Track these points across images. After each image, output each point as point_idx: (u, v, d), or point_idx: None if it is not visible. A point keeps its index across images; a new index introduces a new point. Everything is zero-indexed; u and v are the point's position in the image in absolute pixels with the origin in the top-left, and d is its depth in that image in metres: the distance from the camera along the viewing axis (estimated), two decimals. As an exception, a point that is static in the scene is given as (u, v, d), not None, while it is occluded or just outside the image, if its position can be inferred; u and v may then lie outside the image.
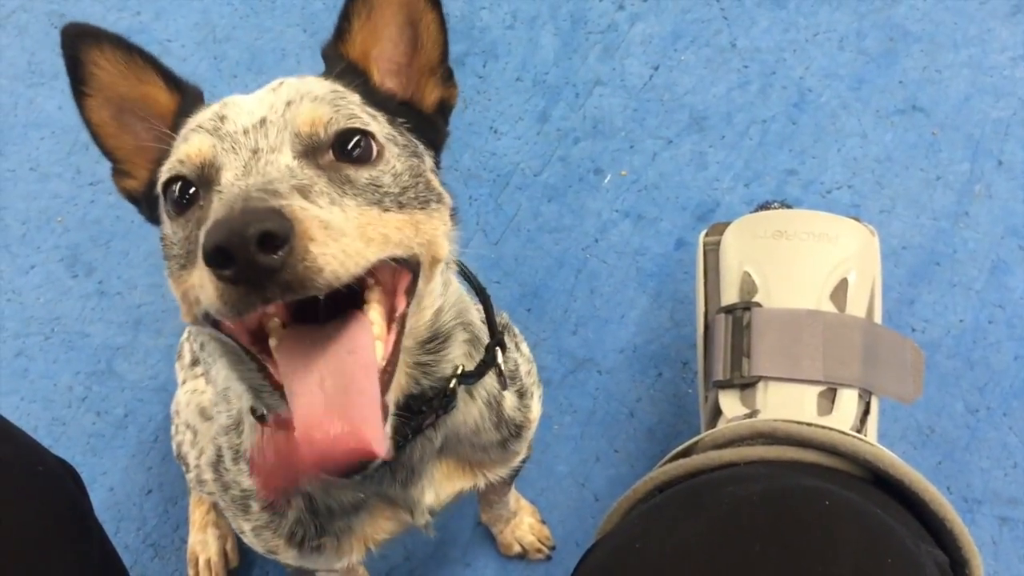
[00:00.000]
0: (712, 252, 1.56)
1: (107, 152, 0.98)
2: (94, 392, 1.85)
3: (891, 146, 1.95)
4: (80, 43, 0.92)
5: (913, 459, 1.68)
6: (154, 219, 0.95)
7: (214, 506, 1.67)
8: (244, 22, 2.18)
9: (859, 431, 1.35)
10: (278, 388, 0.77)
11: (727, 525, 0.89)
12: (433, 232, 0.86)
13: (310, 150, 0.82)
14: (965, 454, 1.68)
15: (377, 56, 0.97)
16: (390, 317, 0.81)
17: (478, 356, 1.03)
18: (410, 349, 0.92)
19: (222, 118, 0.84)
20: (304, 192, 0.75)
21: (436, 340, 0.95)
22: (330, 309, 0.77)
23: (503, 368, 1.06)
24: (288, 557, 1.11)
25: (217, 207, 0.73)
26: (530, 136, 2.03)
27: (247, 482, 1.07)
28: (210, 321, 0.81)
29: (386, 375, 0.77)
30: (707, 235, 1.59)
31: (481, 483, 1.16)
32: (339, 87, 0.90)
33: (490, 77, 2.09)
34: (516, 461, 1.22)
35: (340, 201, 0.78)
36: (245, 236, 0.65)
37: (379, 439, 0.71)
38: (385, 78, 0.97)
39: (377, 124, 0.88)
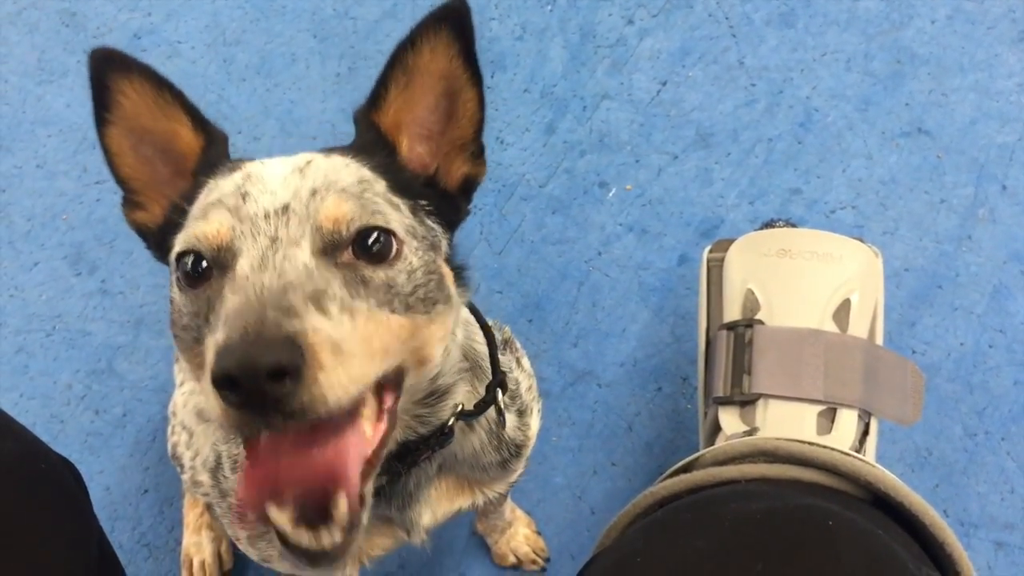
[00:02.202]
0: (715, 268, 1.57)
1: (121, 181, 0.96)
2: (93, 391, 1.84)
3: (896, 168, 1.96)
4: (109, 69, 0.90)
5: (911, 481, 1.67)
6: (160, 258, 0.94)
7: (208, 508, 1.67)
8: (254, 26, 2.19)
9: (858, 452, 1.35)
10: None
11: (729, 542, 0.89)
12: (427, 338, 0.85)
13: (329, 248, 0.80)
14: (963, 478, 1.69)
15: (410, 123, 0.95)
16: (379, 410, 0.81)
17: (480, 385, 1.04)
18: (406, 408, 0.92)
19: (244, 195, 0.82)
20: (317, 300, 0.73)
21: (435, 395, 0.95)
22: None
23: (503, 408, 1.06)
24: (283, 567, 1.11)
25: (231, 318, 0.71)
26: (536, 147, 2.03)
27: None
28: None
29: (370, 467, 0.77)
30: (711, 251, 1.59)
31: (480, 501, 1.17)
32: (366, 174, 0.88)
33: (498, 88, 2.09)
34: (514, 477, 1.22)
35: (351, 304, 0.77)
36: (256, 369, 0.65)
37: (332, 531, 0.73)
38: (416, 144, 0.96)
39: (399, 216, 0.87)
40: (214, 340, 0.71)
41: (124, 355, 1.87)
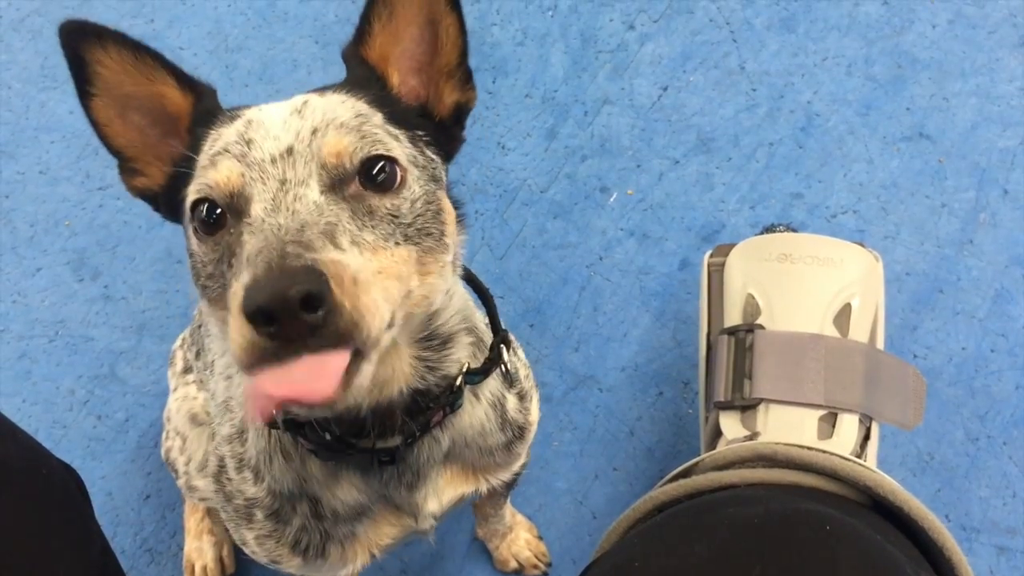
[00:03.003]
0: (716, 273, 1.57)
1: (115, 150, 0.97)
2: (96, 396, 1.85)
3: (897, 172, 1.96)
4: (82, 41, 0.90)
5: (912, 486, 1.68)
6: (172, 218, 0.95)
7: (209, 513, 1.67)
8: (257, 32, 2.20)
9: (859, 456, 1.35)
10: None
11: (727, 547, 0.89)
12: (430, 267, 0.87)
13: (337, 182, 0.83)
14: (964, 482, 1.68)
15: (398, 56, 0.97)
16: None
17: (483, 358, 1.04)
18: (409, 343, 0.93)
19: (248, 142, 0.84)
20: (331, 235, 0.77)
21: (437, 340, 0.96)
22: None
23: (508, 365, 1.06)
24: (292, 566, 1.11)
25: (253, 258, 0.74)
26: (538, 153, 2.03)
27: (251, 491, 1.07)
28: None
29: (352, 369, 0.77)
30: (712, 256, 1.60)
31: (484, 488, 1.17)
32: (363, 107, 0.91)
33: (499, 93, 2.10)
34: (517, 465, 1.22)
35: (359, 237, 0.80)
36: (288, 298, 0.68)
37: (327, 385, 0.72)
38: (407, 76, 0.98)
39: (400, 145, 0.89)
40: (240, 281, 0.73)
41: (126, 360, 1.88)
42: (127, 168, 0.98)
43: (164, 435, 1.59)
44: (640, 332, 1.86)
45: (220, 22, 2.22)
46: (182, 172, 0.90)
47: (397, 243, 0.83)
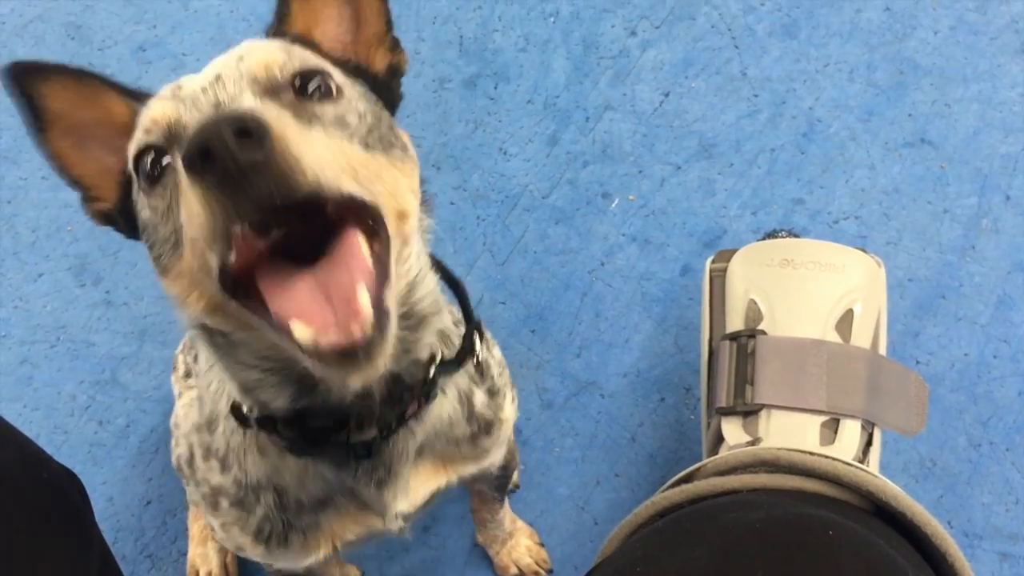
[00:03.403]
0: (718, 279, 1.57)
1: (74, 181, 0.95)
2: (97, 401, 1.85)
3: (899, 178, 1.96)
4: (25, 80, 0.90)
5: (915, 492, 1.68)
6: (134, 232, 0.93)
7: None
8: (259, 37, 2.20)
9: (861, 462, 1.34)
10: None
11: (729, 552, 0.89)
12: (395, 182, 0.83)
13: (270, 91, 0.81)
14: (967, 488, 1.68)
15: (321, 35, 0.96)
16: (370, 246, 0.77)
17: (453, 350, 1.02)
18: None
19: (178, 87, 0.84)
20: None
21: (413, 319, 0.91)
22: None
23: (480, 355, 1.05)
24: (255, 553, 1.11)
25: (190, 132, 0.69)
26: (539, 158, 2.04)
27: (216, 479, 1.08)
28: (229, 291, 0.76)
29: (380, 276, 0.74)
30: (713, 262, 1.59)
31: (454, 479, 1.15)
32: (289, 43, 0.90)
33: (501, 99, 2.10)
34: (486, 461, 1.19)
35: (308, 131, 0.76)
36: (221, 129, 0.63)
37: (360, 322, 0.69)
38: (334, 46, 0.97)
39: (333, 69, 0.88)
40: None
41: (128, 366, 1.88)
42: (89, 197, 0.96)
43: (174, 442, 1.59)
44: (642, 338, 1.85)
45: (222, 28, 2.22)
46: (130, 181, 0.88)
47: (352, 145, 0.80)
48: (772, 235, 1.68)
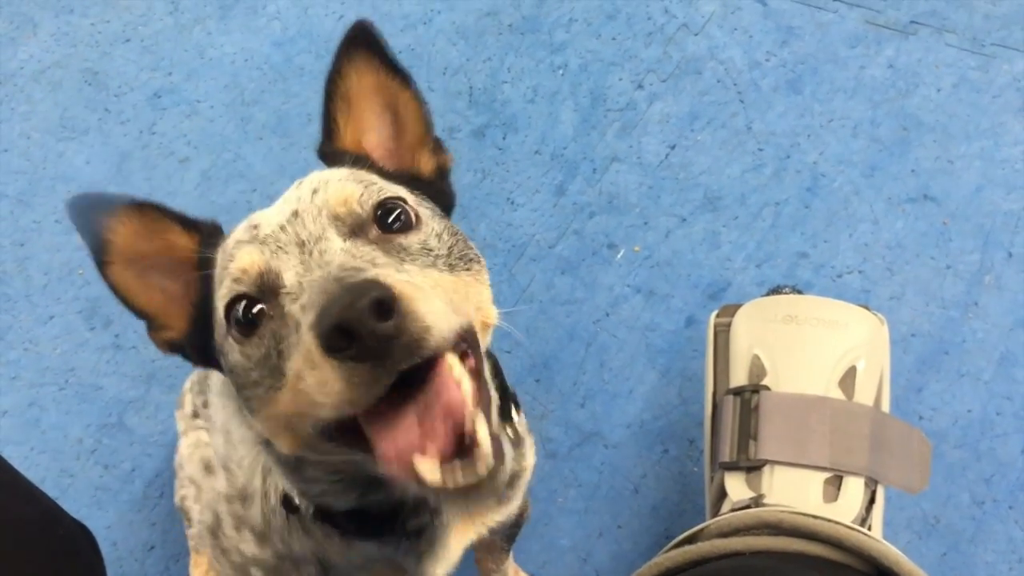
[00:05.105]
0: (722, 333, 1.58)
1: (138, 312, 0.97)
2: (103, 445, 1.86)
3: (902, 233, 1.98)
4: (89, 214, 0.92)
5: (918, 549, 1.68)
6: (205, 362, 0.94)
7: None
8: (272, 86, 2.24)
9: (865, 519, 1.35)
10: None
11: (731, 618, 0.89)
12: (481, 296, 0.86)
13: (355, 229, 0.83)
14: (971, 546, 1.68)
15: (367, 144, 0.99)
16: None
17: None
18: None
19: (255, 227, 0.85)
20: (373, 265, 0.75)
21: None
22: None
23: (518, 429, 1.07)
24: None
25: (309, 302, 0.72)
26: (546, 208, 2.06)
27: (251, 550, 1.08)
28: (327, 436, 0.78)
29: (484, 399, 0.75)
30: (718, 316, 1.61)
31: (484, 532, 1.16)
32: (355, 171, 0.92)
33: (509, 149, 2.13)
34: (512, 508, 1.20)
35: (403, 268, 0.78)
36: (359, 309, 0.65)
37: (483, 457, 0.70)
38: (383, 154, 1.00)
39: (404, 192, 0.90)
40: (306, 323, 0.71)
41: (135, 410, 1.89)
42: (154, 326, 0.98)
43: (177, 482, 1.60)
44: (646, 389, 1.86)
45: (237, 76, 2.26)
46: (203, 314, 0.89)
47: (441, 271, 0.82)
48: (776, 291, 1.70)
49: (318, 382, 0.70)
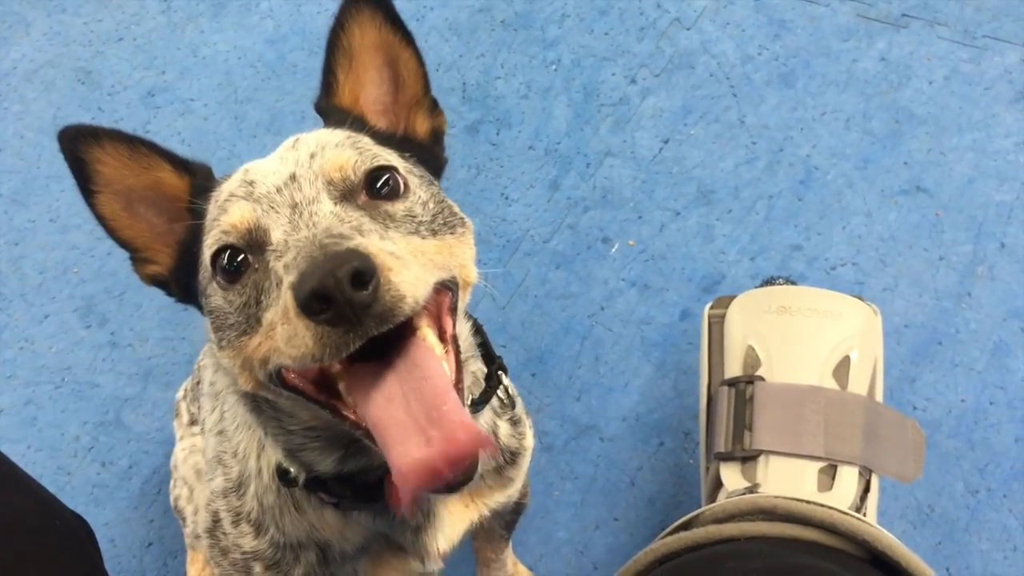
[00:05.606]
0: (717, 325, 1.59)
1: (123, 243, 1.00)
2: (100, 442, 1.86)
3: (895, 225, 1.99)
4: (80, 144, 0.94)
5: (912, 538, 1.68)
6: (186, 298, 0.97)
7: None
8: (265, 84, 2.24)
9: (859, 509, 1.35)
10: (359, 428, 0.80)
11: (726, 602, 0.90)
12: (463, 256, 0.91)
13: (346, 193, 0.86)
14: (965, 535, 1.68)
15: (364, 100, 1.01)
16: (442, 338, 0.84)
17: (478, 390, 1.07)
18: None
19: (251, 183, 0.88)
20: (358, 231, 0.79)
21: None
22: (381, 344, 0.79)
23: (509, 389, 1.08)
24: None
25: (293, 262, 0.76)
26: (540, 203, 2.06)
27: (250, 544, 1.08)
28: (275, 380, 0.84)
29: (458, 390, 0.81)
30: (712, 308, 1.61)
31: (485, 512, 1.17)
32: (350, 133, 0.95)
33: (503, 145, 2.13)
34: (512, 489, 1.22)
35: (387, 235, 0.83)
36: (338, 278, 0.70)
37: (479, 438, 0.75)
38: (376, 120, 1.02)
39: (395, 158, 0.93)
40: (287, 281, 0.75)
41: (131, 407, 1.89)
42: (139, 258, 1.01)
43: (172, 483, 1.61)
44: (641, 382, 1.87)
45: (230, 74, 2.26)
46: (189, 254, 0.93)
47: (424, 237, 0.87)
48: (770, 282, 1.71)
49: (290, 336, 0.75)
